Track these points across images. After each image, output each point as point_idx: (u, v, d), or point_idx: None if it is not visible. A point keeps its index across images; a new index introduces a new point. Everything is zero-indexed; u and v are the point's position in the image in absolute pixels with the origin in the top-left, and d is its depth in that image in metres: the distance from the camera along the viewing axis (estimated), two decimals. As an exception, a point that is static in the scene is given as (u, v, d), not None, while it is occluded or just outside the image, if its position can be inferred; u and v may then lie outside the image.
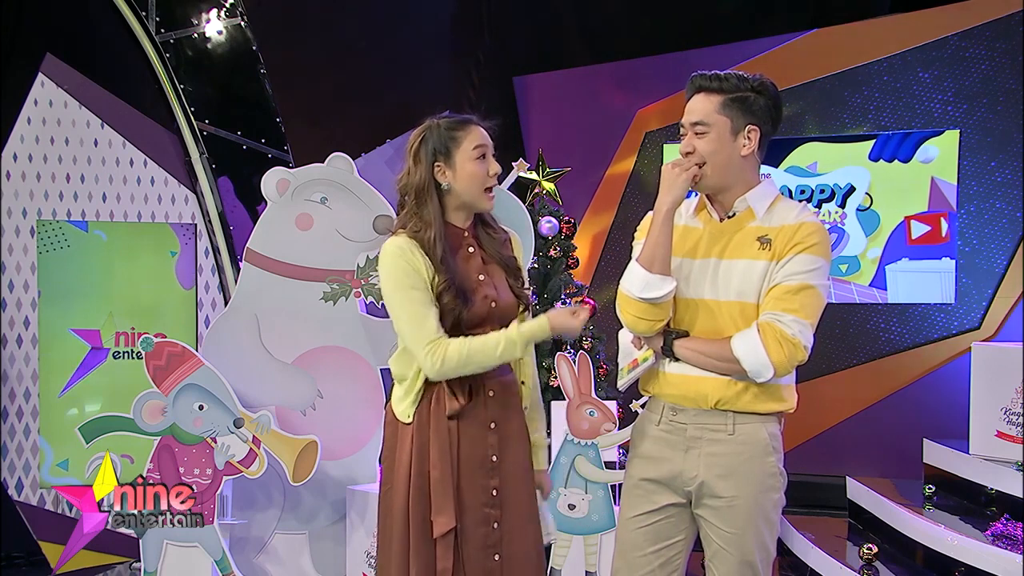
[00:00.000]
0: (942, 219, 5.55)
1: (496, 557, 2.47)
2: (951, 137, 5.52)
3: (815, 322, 2.31)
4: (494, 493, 2.49)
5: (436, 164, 2.47)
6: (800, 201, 5.61)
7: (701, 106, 2.36)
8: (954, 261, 5.51)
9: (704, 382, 2.36)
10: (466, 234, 2.52)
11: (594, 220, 6.43)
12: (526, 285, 2.60)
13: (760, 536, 2.37)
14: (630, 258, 2.45)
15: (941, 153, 5.55)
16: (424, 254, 2.44)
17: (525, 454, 2.58)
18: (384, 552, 2.54)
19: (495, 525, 2.48)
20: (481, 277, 2.50)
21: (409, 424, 2.50)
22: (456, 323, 2.44)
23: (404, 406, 2.51)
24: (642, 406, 2.66)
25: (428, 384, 2.48)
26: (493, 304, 2.48)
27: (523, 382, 2.63)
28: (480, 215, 2.56)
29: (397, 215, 2.56)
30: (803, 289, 2.29)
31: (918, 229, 5.62)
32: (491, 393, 2.49)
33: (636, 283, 2.33)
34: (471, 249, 2.52)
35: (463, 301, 2.43)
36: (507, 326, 2.51)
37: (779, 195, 2.42)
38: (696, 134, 2.36)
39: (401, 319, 2.43)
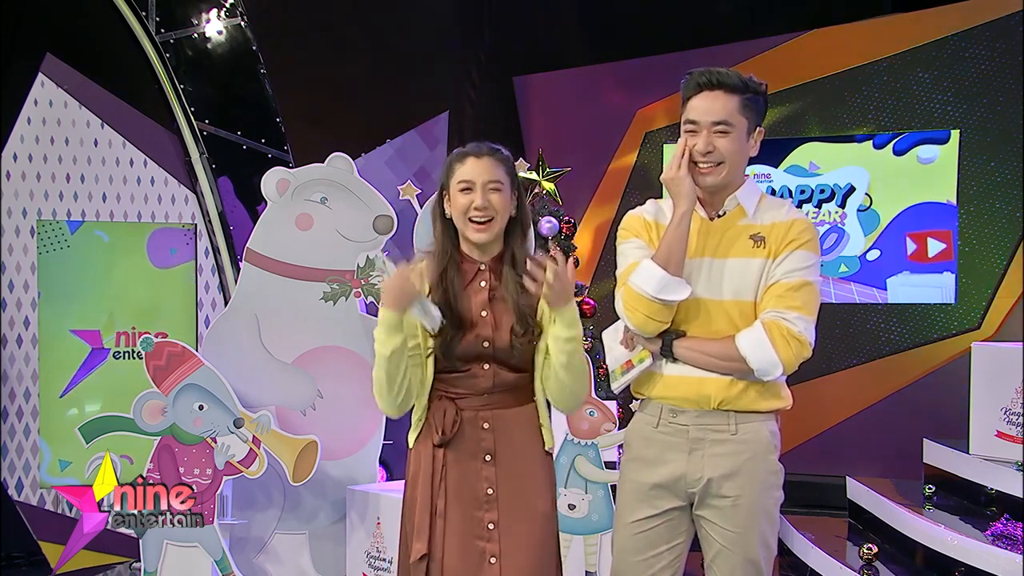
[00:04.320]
0: (942, 238, 5.55)
1: None
2: (951, 140, 5.52)
3: (815, 318, 2.32)
4: (490, 527, 2.43)
5: (444, 194, 2.52)
6: (785, 198, 5.63)
7: (724, 105, 2.33)
8: (954, 276, 5.51)
9: (706, 383, 2.35)
10: (481, 268, 2.50)
11: (594, 220, 6.43)
12: (538, 333, 2.47)
13: (763, 534, 2.37)
14: (615, 260, 2.44)
15: (941, 160, 5.55)
16: (428, 278, 2.48)
17: (535, 490, 2.49)
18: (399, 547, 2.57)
19: (492, 560, 2.42)
20: (483, 314, 2.46)
21: (411, 450, 2.54)
22: (446, 350, 2.43)
23: (412, 433, 2.54)
24: (640, 406, 2.64)
25: (426, 412, 2.48)
26: (485, 344, 2.44)
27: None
28: (512, 254, 2.51)
29: None
30: (803, 286, 2.30)
31: (918, 246, 5.63)
32: (485, 425, 2.45)
33: (652, 283, 2.30)
34: (482, 284, 2.49)
35: (456, 327, 2.43)
36: (507, 365, 2.47)
37: (764, 193, 2.44)
38: (719, 133, 2.33)
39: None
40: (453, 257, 2.50)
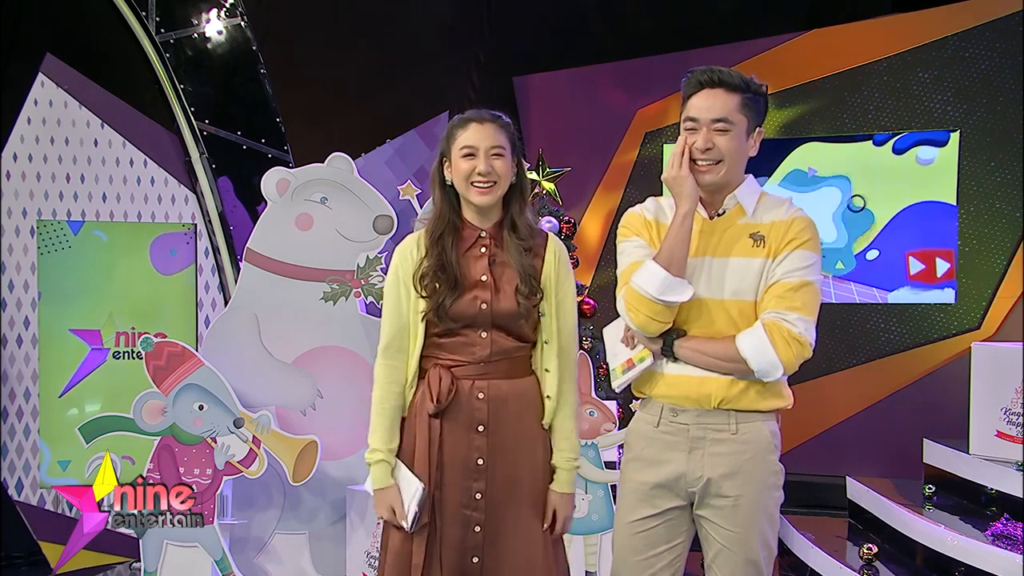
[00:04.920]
0: (944, 257, 5.54)
1: (475, 560, 2.46)
2: (951, 141, 5.52)
3: (816, 318, 2.31)
4: (477, 496, 2.46)
5: (444, 161, 2.54)
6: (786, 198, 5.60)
7: (723, 103, 2.33)
8: (954, 291, 5.51)
9: (706, 382, 2.35)
10: (483, 234, 2.53)
11: (594, 220, 6.43)
12: (542, 297, 2.52)
13: (763, 534, 2.36)
14: (615, 258, 2.45)
15: (940, 160, 5.55)
16: (425, 243, 2.52)
17: (527, 464, 2.51)
18: (382, 543, 2.59)
19: (476, 528, 2.46)
20: (484, 278, 2.49)
21: (405, 418, 2.54)
22: (440, 311, 2.45)
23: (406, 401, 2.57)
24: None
25: (419, 380, 2.51)
26: (483, 305, 2.46)
27: (548, 396, 2.55)
28: (511, 219, 2.54)
29: None
30: (803, 286, 2.29)
31: (919, 266, 5.62)
32: (480, 395, 2.47)
33: (655, 284, 2.30)
34: (483, 249, 2.52)
35: (449, 288, 2.45)
36: (505, 331, 2.49)
37: (763, 191, 2.42)
38: (718, 131, 2.33)
39: (382, 316, 2.58)
40: (453, 223, 2.53)
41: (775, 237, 2.33)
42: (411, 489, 2.45)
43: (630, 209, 2.52)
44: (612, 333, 2.52)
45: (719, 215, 2.40)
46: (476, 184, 2.47)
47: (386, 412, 2.50)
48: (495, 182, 2.47)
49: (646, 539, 2.41)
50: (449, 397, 2.45)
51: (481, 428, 2.47)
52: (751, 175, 2.43)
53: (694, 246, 2.37)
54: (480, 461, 2.47)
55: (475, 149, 2.47)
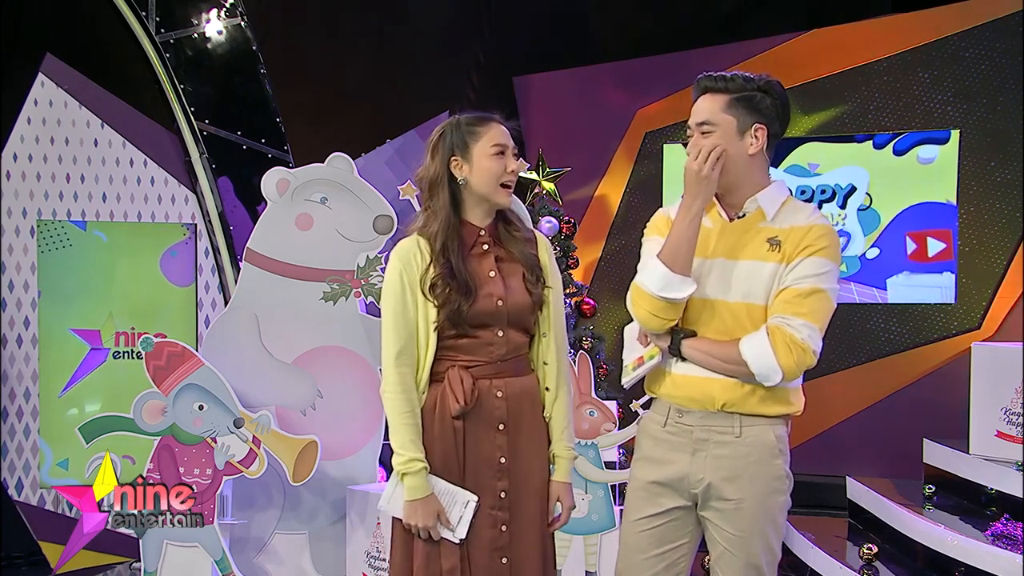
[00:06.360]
0: (942, 238, 5.54)
1: (504, 560, 2.46)
2: (951, 140, 5.52)
3: (824, 326, 2.30)
4: (502, 496, 2.47)
5: (453, 158, 2.48)
6: (807, 202, 5.61)
7: (707, 106, 2.35)
8: (954, 276, 5.51)
9: (711, 384, 2.35)
10: (482, 232, 2.52)
11: (594, 219, 6.43)
12: (547, 285, 2.55)
13: (766, 538, 2.36)
14: (639, 256, 2.45)
15: (941, 160, 5.55)
16: (427, 247, 2.47)
17: (540, 459, 2.54)
18: (394, 549, 2.55)
19: (503, 528, 2.46)
20: (491, 274, 2.48)
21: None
22: (456, 316, 2.43)
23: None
24: (643, 406, 2.64)
25: (432, 383, 2.49)
26: (499, 302, 2.46)
27: (547, 388, 2.57)
28: (502, 213, 2.55)
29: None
30: (813, 293, 2.28)
31: (918, 246, 5.62)
32: (499, 394, 2.47)
33: (656, 280, 2.31)
34: (485, 247, 2.51)
35: (463, 293, 2.43)
36: (518, 327, 2.50)
37: (789, 196, 2.40)
38: (702, 134, 2.35)
39: (383, 327, 2.51)
40: (455, 225, 2.49)
41: (792, 242, 2.31)
42: (461, 502, 2.43)
43: (659, 210, 2.53)
44: (631, 330, 2.54)
45: (739, 217, 2.40)
46: (506, 184, 2.47)
47: (412, 420, 2.45)
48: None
49: (649, 538, 2.42)
50: (474, 398, 2.45)
51: (502, 427, 2.48)
52: (780, 180, 2.42)
53: (711, 247, 2.38)
54: (503, 460, 2.48)
55: (504, 147, 2.48)
